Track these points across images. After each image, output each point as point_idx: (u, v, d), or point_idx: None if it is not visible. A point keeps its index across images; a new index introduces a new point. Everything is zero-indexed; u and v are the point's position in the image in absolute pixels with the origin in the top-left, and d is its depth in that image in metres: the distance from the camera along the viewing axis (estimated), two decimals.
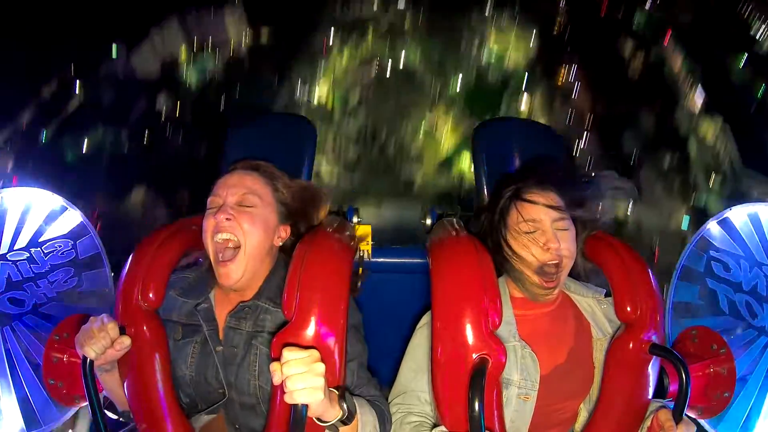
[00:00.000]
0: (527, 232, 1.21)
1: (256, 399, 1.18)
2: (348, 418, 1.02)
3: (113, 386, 1.23)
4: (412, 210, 3.24)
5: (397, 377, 1.29)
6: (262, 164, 1.30)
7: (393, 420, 1.22)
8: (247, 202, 1.21)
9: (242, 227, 1.18)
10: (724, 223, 1.65)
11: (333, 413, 0.99)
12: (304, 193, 1.30)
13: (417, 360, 1.26)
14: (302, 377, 0.92)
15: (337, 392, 1.02)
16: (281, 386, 0.95)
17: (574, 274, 1.33)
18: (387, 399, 1.26)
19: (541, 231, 1.20)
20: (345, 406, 1.01)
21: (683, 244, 1.68)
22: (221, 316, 1.25)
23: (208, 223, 1.20)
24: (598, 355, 1.26)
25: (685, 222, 2.69)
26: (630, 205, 2.66)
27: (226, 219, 1.17)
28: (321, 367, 0.95)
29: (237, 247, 1.18)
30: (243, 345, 1.20)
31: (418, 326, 1.30)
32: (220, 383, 1.20)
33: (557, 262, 1.19)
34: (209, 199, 1.23)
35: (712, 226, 1.66)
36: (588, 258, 1.32)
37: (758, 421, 1.51)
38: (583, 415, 1.27)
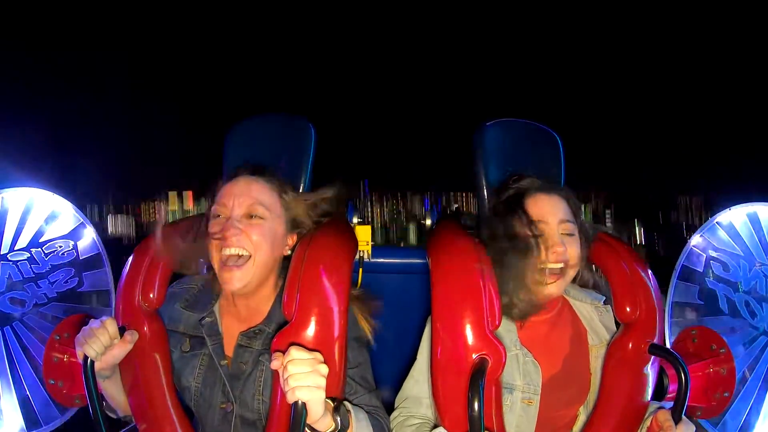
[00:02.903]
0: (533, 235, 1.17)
1: (258, 414, 1.17)
2: (340, 431, 1.00)
3: (113, 392, 1.23)
4: None
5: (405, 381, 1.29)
6: (267, 169, 1.26)
7: (394, 423, 1.22)
8: (256, 212, 1.17)
9: (251, 240, 1.15)
10: (724, 223, 1.65)
11: (325, 423, 0.97)
12: (310, 204, 1.26)
13: (420, 365, 1.26)
14: (306, 375, 0.92)
15: (332, 403, 1.00)
16: (281, 390, 0.95)
17: (581, 284, 1.33)
18: (389, 406, 1.24)
19: (546, 234, 1.18)
20: (338, 419, 0.99)
21: None
22: (228, 329, 1.24)
23: (215, 235, 1.15)
24: (595, 363, 1.26)
25: None
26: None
27: (235, 235, 1.14)
28: (325, 369, 0.95)
29: (246, 257, 1.15)
30: (251, 362, 1.19)
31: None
32: (227, 396, 1.19)
33: (561, 266, 1.18)
34: (214, 207, 1.19)
35: (712, 226, 1.66)
36: (589, 260, 1.31)
37: (758, 421, 1.51)
38: (581, 419, 1.26)
